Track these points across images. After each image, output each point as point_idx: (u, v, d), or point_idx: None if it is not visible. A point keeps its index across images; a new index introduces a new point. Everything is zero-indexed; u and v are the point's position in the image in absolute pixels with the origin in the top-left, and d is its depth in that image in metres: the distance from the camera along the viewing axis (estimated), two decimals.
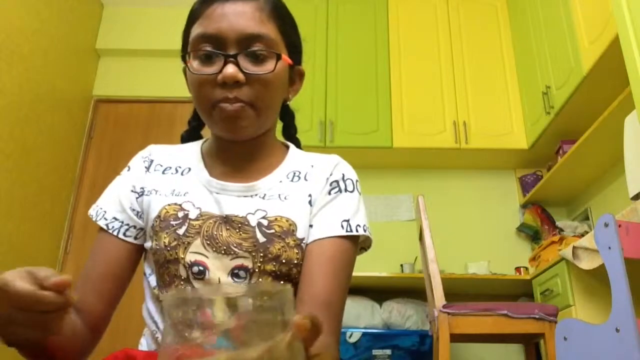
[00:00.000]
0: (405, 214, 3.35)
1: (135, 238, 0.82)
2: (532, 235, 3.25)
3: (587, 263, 1.99)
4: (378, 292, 2.86)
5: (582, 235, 2.78)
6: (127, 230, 0.82)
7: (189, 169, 0.85)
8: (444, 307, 1.99)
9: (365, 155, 3.31)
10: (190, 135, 0.95)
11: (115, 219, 0.82)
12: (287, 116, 0.96)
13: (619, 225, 1.32)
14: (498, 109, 3.32)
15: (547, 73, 2.92)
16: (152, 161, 0.88)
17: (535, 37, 3.10)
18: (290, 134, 0.97)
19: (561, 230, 2.99)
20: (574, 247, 2.08)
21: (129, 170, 0.88)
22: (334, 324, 0.73)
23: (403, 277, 2.86)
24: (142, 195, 0.84)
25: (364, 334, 2.69)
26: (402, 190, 3.44)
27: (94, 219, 0.84)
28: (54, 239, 3.23)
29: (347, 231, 0.79)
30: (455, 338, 2.00)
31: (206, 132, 0.94)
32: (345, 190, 0.83)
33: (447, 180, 3.49)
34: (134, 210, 0.83)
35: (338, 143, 3.20)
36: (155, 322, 0.79)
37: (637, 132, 2.03)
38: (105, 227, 0.82)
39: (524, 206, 3.34)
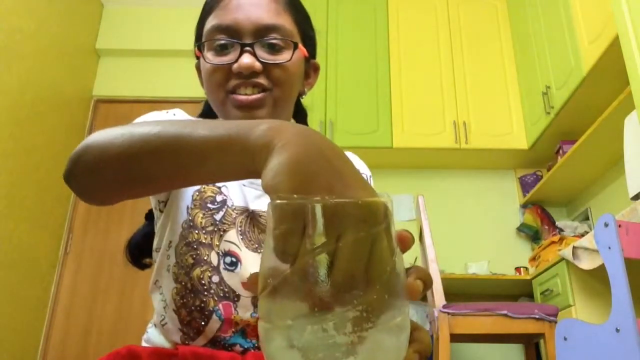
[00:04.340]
0: (405, 214, 3.35)
1: None
2: (532, 235, 3.25)
3: (587, 263, 1.99)
4: None
5: (582, 235, 2.78)
6: None
7: None
8: (444, 307, 1.99)
9: (365, 155, 3.28)
10: None
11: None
12: (300, 114, 0.92)
13: (619, 225, 1.32)
14: (498, 109, 3.32)
15: (547, 73, 2.92)
16: None
17: (535, 37, 3.10)
18: None
19: (561, 230, 2.99)
20: (574, 247, 2.08)
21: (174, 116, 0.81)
22: None
23: None
24: None
25: None
26: (402, 190, 3.43)
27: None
28: (54, 239, 3.23)
29: None
30: (455, 338, 2.00)
31: None
32: None
33: (447, 180, 3.49)
34: None
35: (338, 143, 3.13)
36: (165, 305, 0.73)
37: (637, 132, 2.03)
38: None
39: (524, 206, 3.34)
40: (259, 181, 0.79)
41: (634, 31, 1.83)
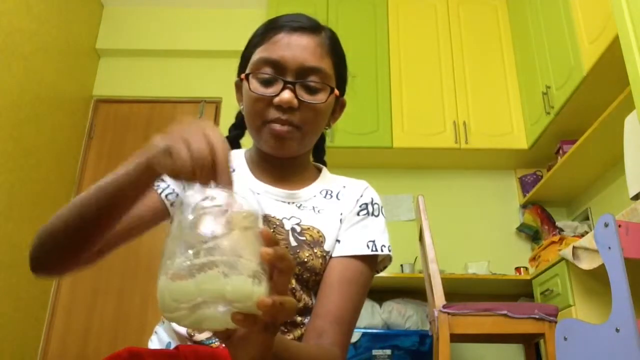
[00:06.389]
0: (405, 214, 3.35)
1: (172, 205, 0.84)
2: (532, 235, 3.25)
3: (587, 263, 1.99)
4: (378, 292, 2.86)
5: (582, 235, 2.78)
6: (169, 193, 0.85)
7: (234, 169, 0.89)
8: (444, 307, 1.99)
9: (365, 155, 3.31)
10: (230, 143, 0.99)
11: (163, 180, 0.85)
12: (320, 139, 1.02)
13: (619, 225, 1.32)
14: (498, 109, 3.32)
15: (547, 73, 2.92)
16: None
17: (535, 37, 3.10)
18: (320, 154, 1.03)
19: (561, 230, 2.99)
20: (574, 247, 2.08)
21: None
22: (343, 338, 0.78)
23: (403, 277, 2.86)
24: None
25: (364, 334, 2.69)
26: (402, 190, 3.43)
27: None
28: None
29: (372, 251, 0.85)
30: (455, 338, 2.00)
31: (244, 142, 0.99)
32: (373, 214, 0.90)
33: (447, 180, 3.49)
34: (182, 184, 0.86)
35: (338, 143, 3.19)
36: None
37: (637, 132, 2.03)
38: None
39: (524, 206, 3.34)
40: (275, 190, 0.87)
41: (634, 31, 1.83)
